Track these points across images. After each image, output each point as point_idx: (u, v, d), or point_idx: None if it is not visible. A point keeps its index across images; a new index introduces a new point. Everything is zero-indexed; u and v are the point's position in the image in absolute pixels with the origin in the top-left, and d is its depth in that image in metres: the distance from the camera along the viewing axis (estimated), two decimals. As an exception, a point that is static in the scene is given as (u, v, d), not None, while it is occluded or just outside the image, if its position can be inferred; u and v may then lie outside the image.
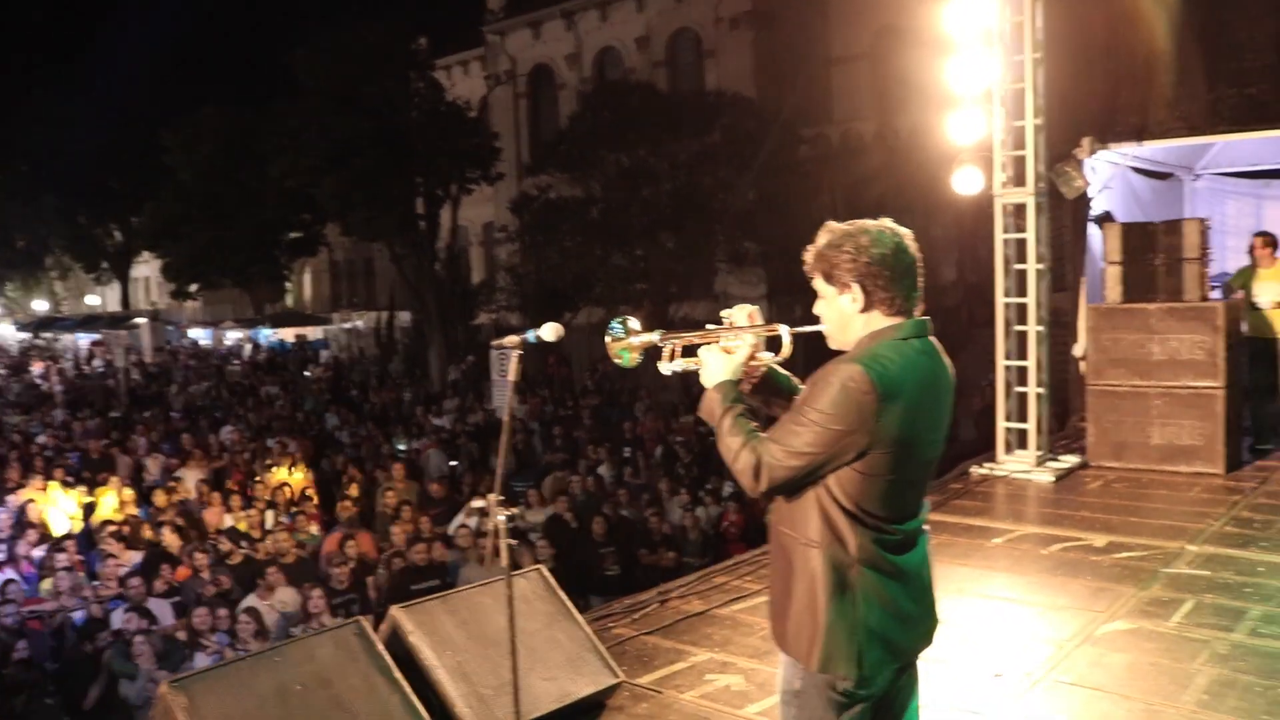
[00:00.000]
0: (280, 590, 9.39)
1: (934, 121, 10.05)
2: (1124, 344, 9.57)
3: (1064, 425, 11.46)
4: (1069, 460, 9.86)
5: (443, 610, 4.97)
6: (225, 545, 10.68)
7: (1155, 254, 9.52)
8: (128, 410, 23.57)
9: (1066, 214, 11.07)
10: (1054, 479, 9.39)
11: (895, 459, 2.90)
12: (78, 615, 9.50)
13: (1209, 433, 9.21)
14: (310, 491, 13.93)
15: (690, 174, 25.73)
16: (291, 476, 14.55)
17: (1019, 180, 9.61)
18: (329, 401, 23.48)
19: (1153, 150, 11.31)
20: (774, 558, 3.14)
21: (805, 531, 2.98)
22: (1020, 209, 9.67)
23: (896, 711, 3.18)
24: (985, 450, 10.48)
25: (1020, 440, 9.84)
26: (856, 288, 2.98)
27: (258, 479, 14.75)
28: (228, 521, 12.26)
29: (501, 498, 3.67)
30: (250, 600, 9.18)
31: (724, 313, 3.29)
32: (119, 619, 8.95)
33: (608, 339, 3.27)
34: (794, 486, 2.96)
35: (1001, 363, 9.90)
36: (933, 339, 3.08)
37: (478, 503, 11.85)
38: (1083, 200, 10.74)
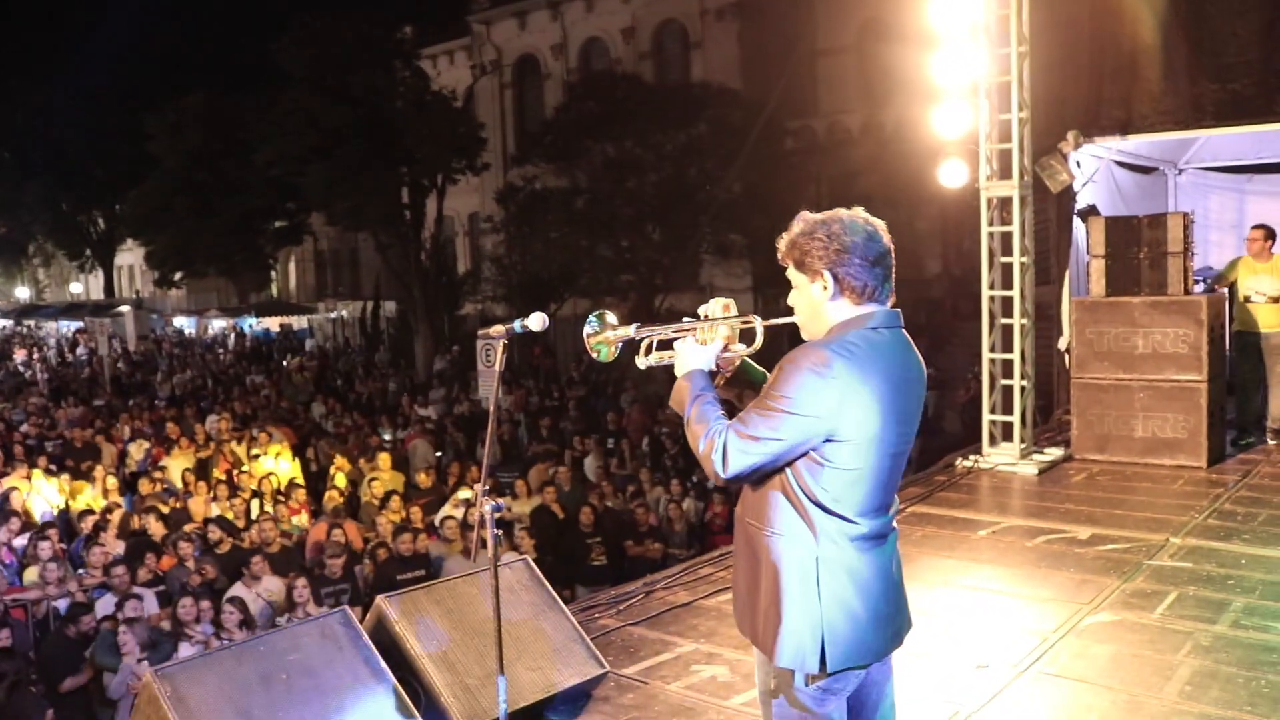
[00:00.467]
0: (266, 579, 9.38)
1: (920, 114, 10.07)
2: (1108, 337, 9.60)
3: (1048, 418, 11.51)
4: (1053, 453, 9.90)
5: (428, 600, 4.98)
6: (215, 534, 10.63)
7: (1139, 248, 9.55)
8: (111, 399, 23.48)
9: (1051, 207, 11.09)
10: (1038, 472, 9.43)
11: (860, 449, 2.88)
12: (61, 604, 9.46)
13: (1192, 426, 9.26)
14: (298, 480, 13.91)
15: (676, 165, 25.72)
16: (278, 465, 14.53)
17: (1004, 173, 9.64)
18: (315, 391, 23.43)
19: (1137, 144, 11.36)
20: (739, 550, 3.12)
21: (769, 522, 2.96)
22: (1006, 202, 9.70)
23: (871, 708, 3.16)
24: (970, 443, 10.53)
25: (1005, 433, 9.88)
26: (827, 275, 2.96)
27: (243, 468, 14.71)
28: (214, 511, 12.22)
29: (487, 488, 3.67)
30: (236, 590, 9.16)
31: (701, 307, 3.30)
32: (103, 608, 8.91)
33: (585, 332, 3.27)
34: (758, 474, 2.93)
35: (986, 355, 9.94)
36: (904, 332, 3.05)
37: (464, 493, 11.86)
38: (1067, 194, 10.77)
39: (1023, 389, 9.73)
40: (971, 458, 9.85)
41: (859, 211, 3.02)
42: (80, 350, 38.25)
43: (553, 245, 26.65)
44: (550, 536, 11.07)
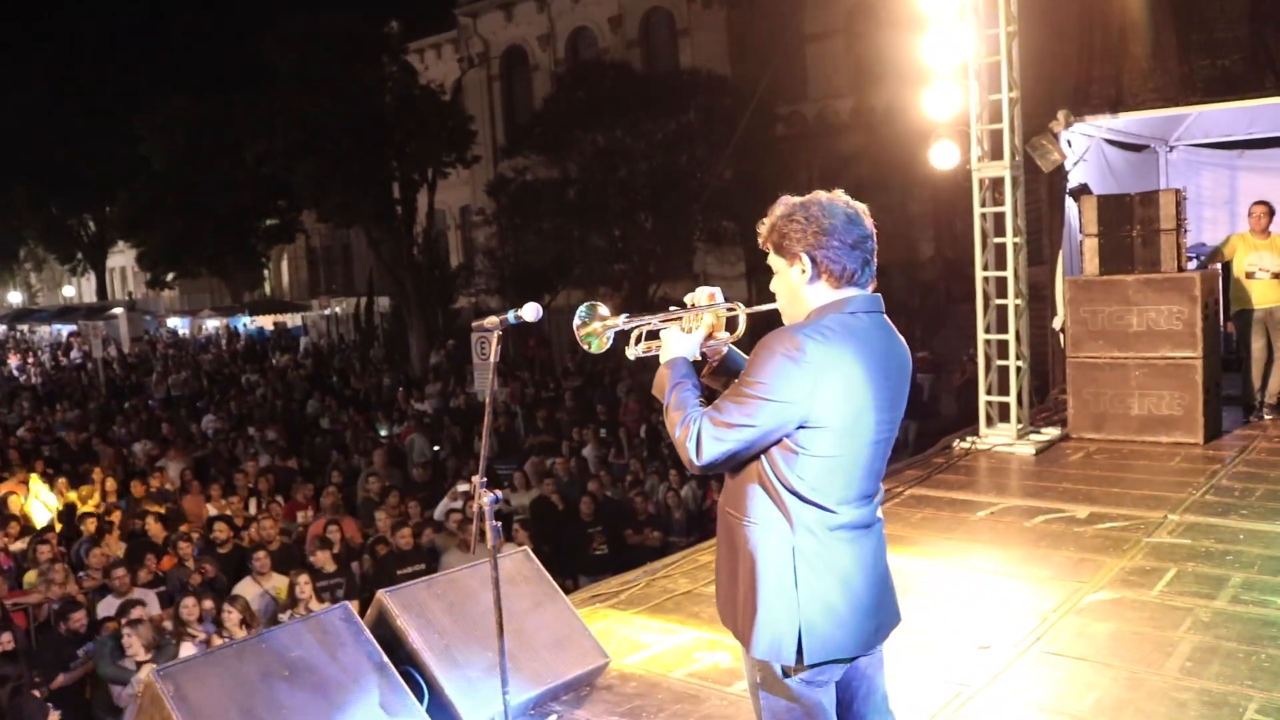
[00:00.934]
0: (272, 576, 9.38)
1: (910, 97, 10.06)
2: (1102, 316, 9.61)
3: (1044, 398, 11.53)
4: (1050, 433, 9.91)
5: (429, 593, 4.97)
6: (220, 533, 10.60)
7: (1132, 226, 9.56)
8: (106, 401, 23.47)
9: (1043, 187, 11.10)
10: (1035, 451, 9.44)
11: (836, 436, 2.83)
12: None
13: (1188, 403, 9.27)
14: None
15: (667, 154, 25.66)
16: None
17: (996, 154, 9.64)
18: (310, 388, 23.42)
19: (1127, 122, 11.35)
20: (720, 540, 3.06)
21: (746, 511, 2.91)
22: (997, 183, 9.69)
23: (861, 700, 3.12)
24: (967, 424, 10.54)
25: (1002, 413, 9.88)
26: (805, 258, 2.92)
27: (240, 467, 14.71)
28: (210, 510, 12.22)
29: (485, 480, 3.66)
30: (242, 586, 9.16)
31: (687, 296, 3.29)
32: (104, 610, 8.91)
33: (575, 324, 3.26)
34: (733, 461, 2.89)
35: (981, 337, 9.94)
36: (885, 317, 2.99)
37: (462, 486, 11.86)
38: (1059, 173, 10.78)
39: (1018, 369, 9.74)
40: (969, 439, 9.86)
41: (839, 194, 2.97)
42: (74, 353, 38.19)
43: (545, 236, 26.59)
44: (551, 528, 11.08)
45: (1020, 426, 9.76)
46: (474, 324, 3.83)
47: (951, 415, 15.93)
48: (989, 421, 9.93)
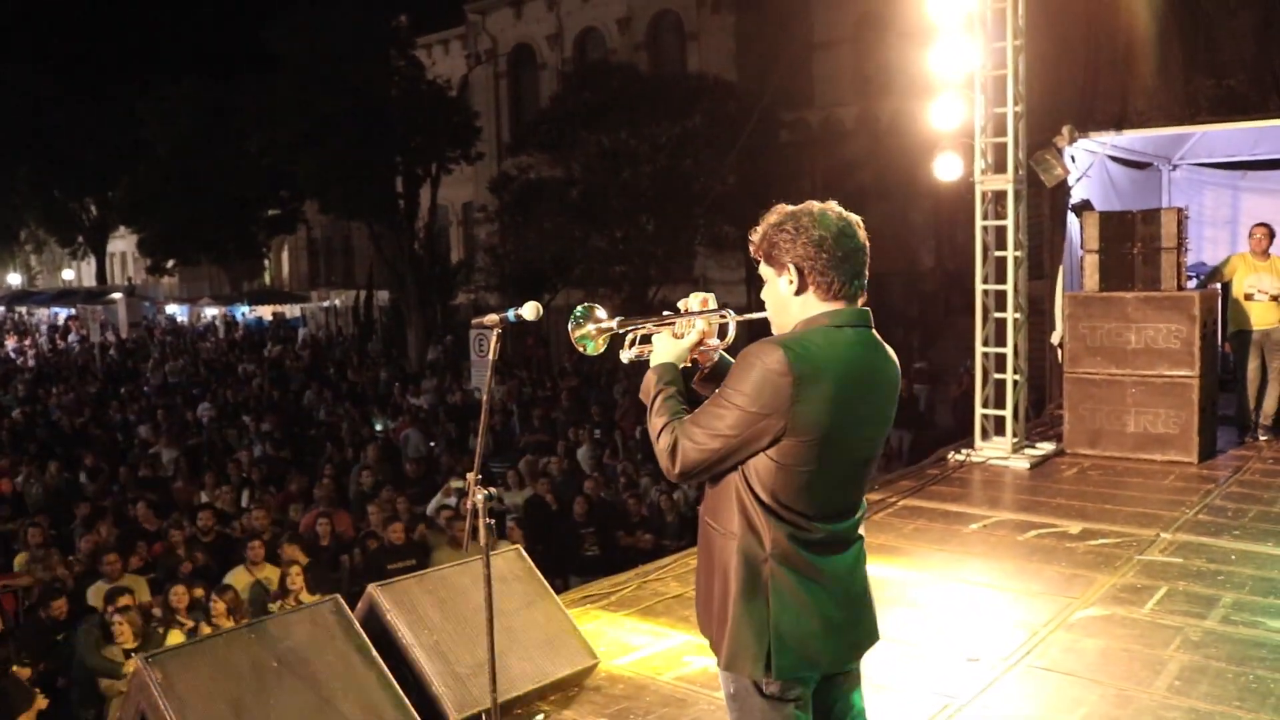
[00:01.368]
0: (263, 566, 9.35)
1: (915, 107, 10.07)
2: (1101, 332, 9.62)
3: (1041, 412, 11.54)
4: (1045, 447, 9.91)
5: (420, 589, 4.97)
6: (206, 521, 10.57)
7: (1133, 243, 9.56)
8: (103, 386, 23.45)
9: (1045, 202, 11.11)
10: (1030, 466, 9.45)
11: (814, 450, 2.77)
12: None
13: (1183, 421, 9.28)
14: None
15: (670, 157, 25.64)
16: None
17: (999, 167, 9.64)
18: (308, 380, 23.41)
19: (1131, 139, 11.37)
20: (700, 550, 3.03)
21: (725, 523, 2.87)
22: (1000, 196, 9.70)
23: (836, 718, 3.08)
24: (962, 436, 10.54)
25: (997, 427, 9.89)
26: (793, 269, 2.86)
27: (234, 456, 14.69)
28: (203, 498, 12.20)
29: (480, 478, 3.66)
30: (228, 577, 9.13)
31: (680, 301, 3.28)
32: (93, 595, 8.88)
33: (570, 326, 3.25)
34: (710, 471, 2.86)
35: (979, 349, 9.94)
36: (874, 332, 2.94)
37: (457, 483, 11.84)
38: (1062, 188, 10.78)
39: (1015, 383, 9.74)
40: (963, 451, 9.87)
41: (833, 205, 2.92)
42: (72, 337, 38.17)
43: (546, 235, 26.57)
44: (543, 527, 11.06)
45: (1015, 440, 9.77)
46: (474, 321, 3.81)
47: (947, 426, 15.94)
48: (984, 434, 9.93)
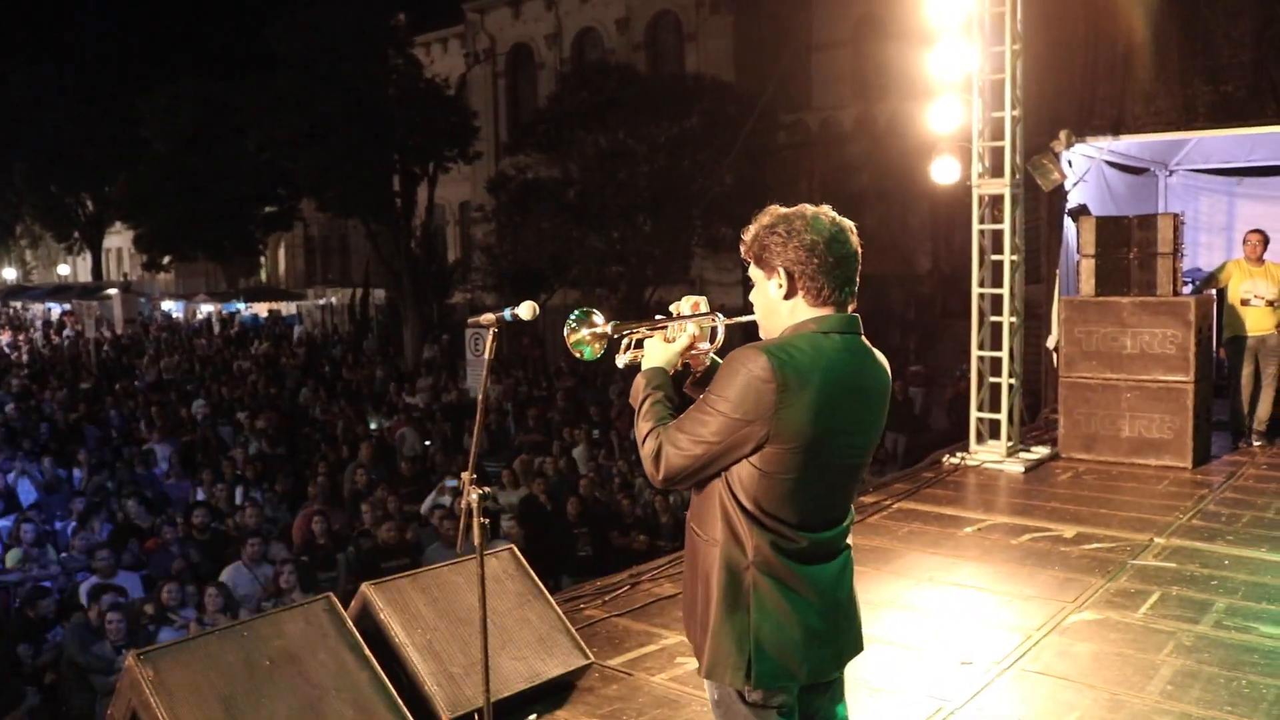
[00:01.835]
0: (260, 564, 9.36)
1: (913, 110, 10.09)
2: (1096, 337, 9.62)
3: (1036, 416, 11.53)
4: (1040, 451, 9.92)
5: (413, 588, 4.96)
6: (199, 518, 10.58)
7: (1129, 248, 9.57)
8: (97, 382, 23.40)
9: (1042, 206, 11.11)
10: (1025, 470, 9.45)
11: (798, 457, 2.74)
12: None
13: (1178, 427, 9.28)
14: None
15: (668, 157, 25.66)
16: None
17: (996, 171, 9.65)
18: (303, 377, 23.37)
19: (1128, 144, 11.38)
20: (686, 556, 3.01)
21: (708, 529, 2.85)
22: (997, 200, 9.71)
23: None
24: (957, 440, 10.54)
25: (992, 430, 9.90)
26: (783, 273, 2.84)
27: (229, 453, 14.67)
28: (198, 495, 12.19)
29: (474, 477, 3.65)
30: (228, 572, 9.13)
31: (672, 305, 3.26)
32: (86, 590, 8.87)
33: (565, 331, 3.23)
34: (695, 477, 2.84)
35: (975, 353, 9.94)
36: (863, 339, 2.91)
37: (450, 481, 11.84)
38: (1058, 193, 10.79)
39: (1010, 387, 9.75)
40: (958, 455, 9.87)
41: (826, 209, 2.88)
42: (66, 332, 38.10)
43: (543, 235, 26.56)
44: (537, 527, 11.06)
45: (1010, 444, 9.77)
46: (470, 320, 3.79)
47: (942, 429, 15.95)
48: (979, 438, 9.94)
